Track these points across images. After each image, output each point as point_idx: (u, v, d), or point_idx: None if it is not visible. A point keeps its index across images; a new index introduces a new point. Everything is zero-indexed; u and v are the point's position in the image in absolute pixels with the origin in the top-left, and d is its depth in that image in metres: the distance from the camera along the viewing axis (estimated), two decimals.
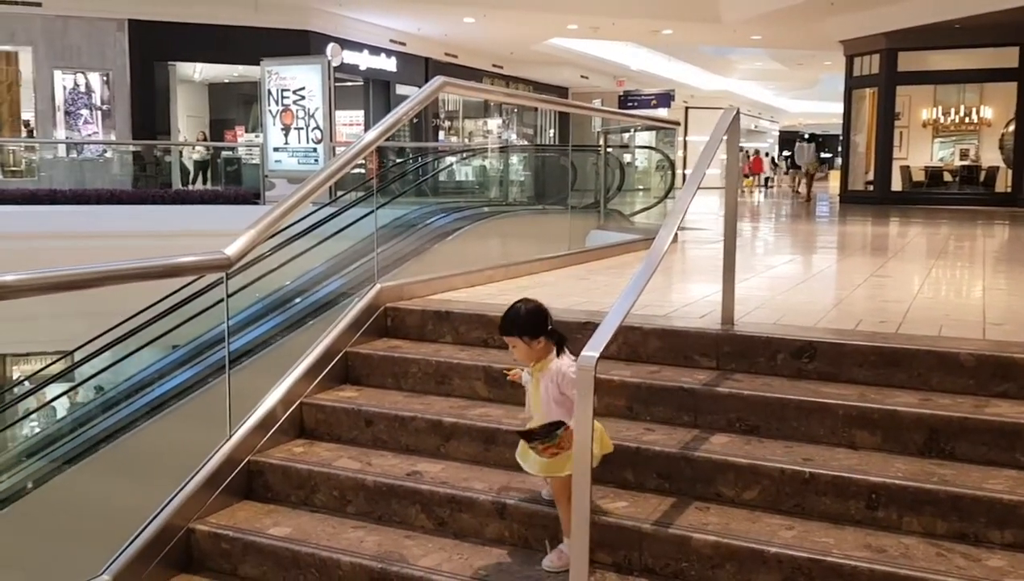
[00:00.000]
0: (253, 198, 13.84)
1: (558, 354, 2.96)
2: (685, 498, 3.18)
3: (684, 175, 13.93)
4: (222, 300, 3.88)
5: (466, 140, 25.10)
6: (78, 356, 7.64)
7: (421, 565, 3.02)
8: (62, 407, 7.82)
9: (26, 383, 10.61)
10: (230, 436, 3.56)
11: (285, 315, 6.54)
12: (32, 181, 14.93)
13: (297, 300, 6.92)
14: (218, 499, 3.43)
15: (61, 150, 16.25)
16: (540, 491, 3.17)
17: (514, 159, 14.08)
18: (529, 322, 2.98)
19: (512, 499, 3.17)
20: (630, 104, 27.87)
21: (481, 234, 8.82)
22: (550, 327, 2.98)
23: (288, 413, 3.81)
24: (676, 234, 4.07)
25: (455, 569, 2.99)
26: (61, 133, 16.46)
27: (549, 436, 2.76)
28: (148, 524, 3.21)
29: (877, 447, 3.26)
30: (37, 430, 7.42)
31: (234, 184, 15.67)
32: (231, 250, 3.41)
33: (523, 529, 3.11)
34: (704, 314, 4.29)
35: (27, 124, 17.51)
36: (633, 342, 3.89)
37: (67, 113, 16.56)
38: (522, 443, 2.92)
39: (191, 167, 17.16)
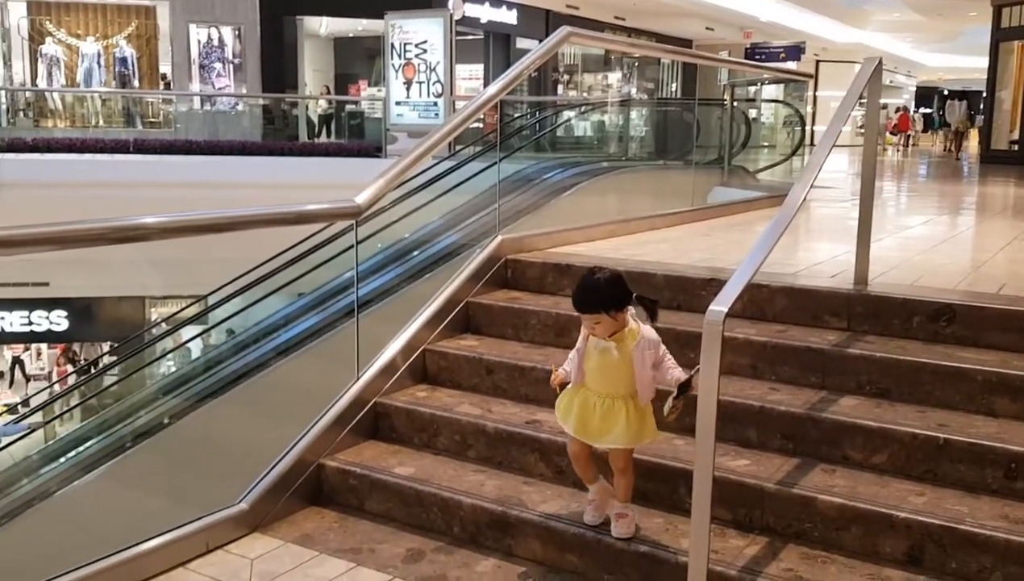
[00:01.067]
0: (375, 151, 14.09)
1: (653, 320, 2.78)
2: (810, 459, 3.12)
3: (812, 131, 13.41)
4: (349, 248, 3.98)
5: (585, 94, 24.79)
6: (211, 301, 7.99)
7: (540, 511, 3.07)
8: (196, 348, 8.24)
9: (163, 325, 11.24)
10: (358, 379, 3.69)
11: (405, 266, 6.66)
12: (169, 132, 15.60)
13: (415, 252, 7.03)
14: (346, 438, 3.57)
15: (196, 103, 16.90)
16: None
17: (634, 114, 13.81)
18: (615, 293, 2.73)
19: None
20: (757, 56, 26.89)
21: (599, 189, 8.71)
22: (635, 294, 2.78)
23: (412, 359, 3.92)
24: None
25: (573, 517, 3.03)
26: (196, 86, 17.09)
27: (690, 385, 2.73)
28: (281, 458, 3.37)
29: (1018, 416, 3.12)
30: (174, 369, 7.83)
31: (357, 138, 15.99)
32: (361, 198, 3.50)
33: (641, 482, 3.10)
34: (835, 274, 4.16)
35: (164, 77, 18.26)
36: (759, 300, 3.81)
37: (201, 67, 17.19)
38: (581, 418, 2.85)
39: (316, 120, 17.60)
